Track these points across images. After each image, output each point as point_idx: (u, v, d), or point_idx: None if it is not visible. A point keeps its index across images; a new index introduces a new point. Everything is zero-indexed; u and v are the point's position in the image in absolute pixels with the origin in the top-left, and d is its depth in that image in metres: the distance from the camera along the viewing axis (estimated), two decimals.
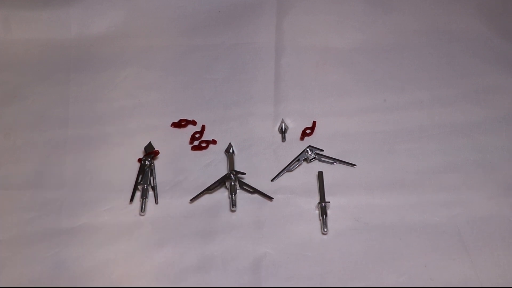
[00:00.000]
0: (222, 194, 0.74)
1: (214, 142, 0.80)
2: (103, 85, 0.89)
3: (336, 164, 0.77)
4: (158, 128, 0.82)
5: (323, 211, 0.70)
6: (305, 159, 0.77)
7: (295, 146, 0.79)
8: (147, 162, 0.76)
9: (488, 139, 0.79)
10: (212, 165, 0.78)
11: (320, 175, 0.74)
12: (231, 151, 0.78)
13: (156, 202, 0.74)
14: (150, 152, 0.78)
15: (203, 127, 0.82)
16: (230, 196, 0.73)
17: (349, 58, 0.91)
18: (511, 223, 0.70)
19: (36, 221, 0.72)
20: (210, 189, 0.74)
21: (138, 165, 0.77)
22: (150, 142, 0.79)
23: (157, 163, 0.78)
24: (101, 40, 0.95)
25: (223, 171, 0.76)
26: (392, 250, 0.68)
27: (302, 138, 0.80)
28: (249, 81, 0.88)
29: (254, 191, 0.74)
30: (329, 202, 0.71)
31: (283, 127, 0.81)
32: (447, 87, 0.86)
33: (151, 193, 0.74)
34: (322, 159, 0.77)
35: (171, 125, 0.83)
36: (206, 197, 0.74)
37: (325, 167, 0.77)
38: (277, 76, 0.88)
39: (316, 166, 0.77)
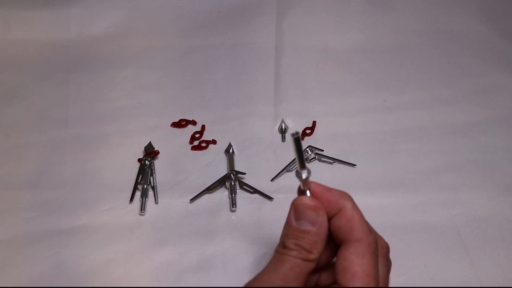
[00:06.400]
0: (222, 194, 0.74)
1: (214, 142, 0.80)
2: (103, 85, 0.89)
3: (336, 164, 0.77)
4: (158, 128, 0.82)
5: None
6: (305, 159, 0.77)
7: None
8: (147, 162, 0.76)
9: (488, 139, 0.79)
10: (212, 165, 0.78)
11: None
12: (231, 151, 0.78)
13: (156, 202, 0.74)
14: (150, 152, 0.78)
15: (203, 127, 0.82)
16: (230, 196, 0.73)
17: (349, 58, 0.91)
18: (511, 223, 0.70)
19: (36, 221, 0.72)
20: (210, 189, 0.74)
21: (138, 165, 0.77)
22: (150, 142, 0.79)
23: (157, 163, 0.78)
24: (101, 40, 0.95)
25: (223, 171, 0.76)
26: (392, 250, 0.68)
27: (302, 138, 0.80)
28: (249, 81, 0.88)
29: (254, 191, 0.74)
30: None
31: (283, 127, 0.81)
32: (447, 87, 0.86)
33: (151, 193, 0.74)
34: (322, 159, 0.77)
35: (171, 125, 0.83)
36: (206, 197, 0.74)
37: (325, 167, 0.77)
38: (277, 76, 0.88)
39: (316, 166, 0.77)
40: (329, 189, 0.50)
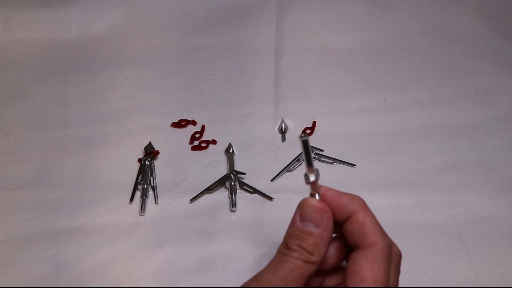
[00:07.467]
0: (222, 194, 0.74)
1: (214, 142, 0.80)
2: (102, 85, 0.89)
3: (336, 164, 0.77)
4: (158, 128, 0.82)
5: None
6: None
7: (295, 146, 0.79)
8: (147, 162, 0.76)
9: (488, 139, 0.79)
10: (212, 165, 0.78)
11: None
12: (231, 151, 0.78)
13: (156, 202, 0.74)
14: (150, 152, 0.78)
15: (203, 127, 0.82)
16: (230, 196, 0.73)
17: (349, 58, 0.91)
18: (511, 223, 0.70)
19: (36, 221, 0.72)
20: (210, 189, 0.74)
21: (138, 165, 0.77)
22: (150, 142, 0.79)
23: (157, 163, 0.78)
24: (101, 40, 0.95)
25: (223, 171, 0.76)
26: None
27: None
28: (249, 81, 0.88)
29: (254, 191, 0.74)
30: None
31: (283, 127, 0.81)
32: (447, 87, 0.86)
33: (151, 193, 0.74)
34: (322, 159, 0.77)
35: (171, 125, 0.83)
36: (206, 197, 0.74)
37: (325, 167, 0.77)
38: (277, 76, 0.88)
39: (317, 166, 0.76)
40: (340, 194, 0.49)
